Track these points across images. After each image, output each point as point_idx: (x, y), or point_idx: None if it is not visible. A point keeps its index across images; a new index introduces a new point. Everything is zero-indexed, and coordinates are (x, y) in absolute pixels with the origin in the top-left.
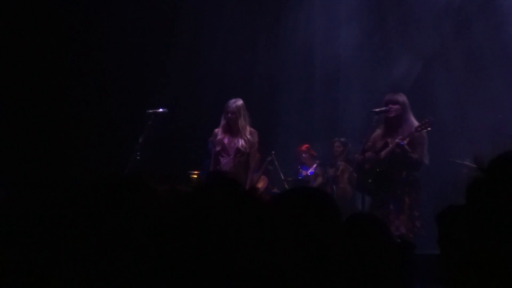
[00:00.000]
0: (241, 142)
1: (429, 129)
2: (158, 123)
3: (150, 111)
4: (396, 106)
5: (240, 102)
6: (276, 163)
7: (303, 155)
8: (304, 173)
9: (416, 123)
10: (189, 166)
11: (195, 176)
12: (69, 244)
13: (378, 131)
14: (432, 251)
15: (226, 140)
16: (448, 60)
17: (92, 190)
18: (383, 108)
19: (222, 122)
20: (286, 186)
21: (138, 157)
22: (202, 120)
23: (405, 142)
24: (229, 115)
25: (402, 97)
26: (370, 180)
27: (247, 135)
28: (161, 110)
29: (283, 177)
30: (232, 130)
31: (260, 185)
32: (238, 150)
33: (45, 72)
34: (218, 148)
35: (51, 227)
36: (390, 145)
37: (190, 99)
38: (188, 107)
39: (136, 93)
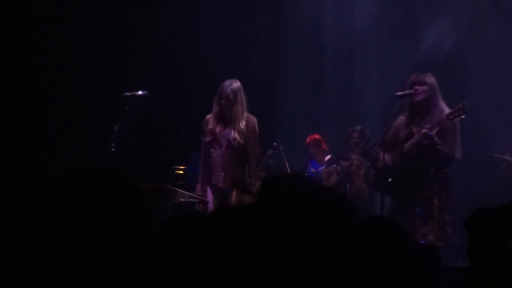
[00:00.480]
0: (233, 134)
1: (463, 116)
2: (136, 108)
3: (128, 93)
4: (424, 88)
5: (236, 84)
6: (283, 153)
7: (311, 148)
8: (313, 170)
9: (447, 109)
10: (174, 160)
11: (181, 172)
12: (33, 251)
13: (401, 119)
14: (465, 263)
15: (218, 130)
16: (485, 33)
17: (59, 187)
18: (407, 91)
19: (215, 108)
20: None
21: (112, 149)
22: (190, 105)
23: (434, 132)
24: (223, 101)
25: (430, 78)
26: (391, 178)
27: (241, 125)
28: (140, 92)
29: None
30: (226, 119)
31: (259, 184)
32: (229, 143)
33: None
34: (208, 139)
35: (13, 232)
36: (416, 136)
37: (176, 80)
38: (173, 89)
39: (111, 73)
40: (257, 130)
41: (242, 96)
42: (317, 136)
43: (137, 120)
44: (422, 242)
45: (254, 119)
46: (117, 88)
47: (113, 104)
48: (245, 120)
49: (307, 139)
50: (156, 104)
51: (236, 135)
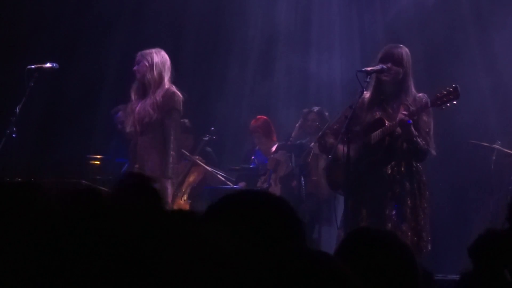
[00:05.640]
0: (144, 108)
1: (454, 102)
2: (43, 84)
3: (33, 66)
4: (398, 69)
5: (156, 49)
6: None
7: (257, 134)
8: (257, 162)
9: (415, 92)
10: (89, 148)
11: (97, 162)
12: None
13: (365, 96)
14: (445, 275)
15: (137, 109)
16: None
17: None
18: (378, 66)
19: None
20: (230, 180)
21: (14, 135)
22: (109, 81)
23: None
24: (134, 67)
25: (406, 54)
26: (353, 175)
27: (157, 96)
28: (48, 65)
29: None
30: (144, 91)
31: (192, 178)
32: (141, 123)
33: None
34: (129, 125)
35: None
36: (388, 123)
37: (91, 50)
38: (88, 61)
39: (11, 41)
40: (179, 108)
41: (162, 62)
42: (265, 118)
43: (44, 99)
44: None
45: (178, 95)
46: (19, 60)
47: (14, 79)
48: (163, 91)
49: (252, 122)
50: (67, 80)
51: (148, 108)
